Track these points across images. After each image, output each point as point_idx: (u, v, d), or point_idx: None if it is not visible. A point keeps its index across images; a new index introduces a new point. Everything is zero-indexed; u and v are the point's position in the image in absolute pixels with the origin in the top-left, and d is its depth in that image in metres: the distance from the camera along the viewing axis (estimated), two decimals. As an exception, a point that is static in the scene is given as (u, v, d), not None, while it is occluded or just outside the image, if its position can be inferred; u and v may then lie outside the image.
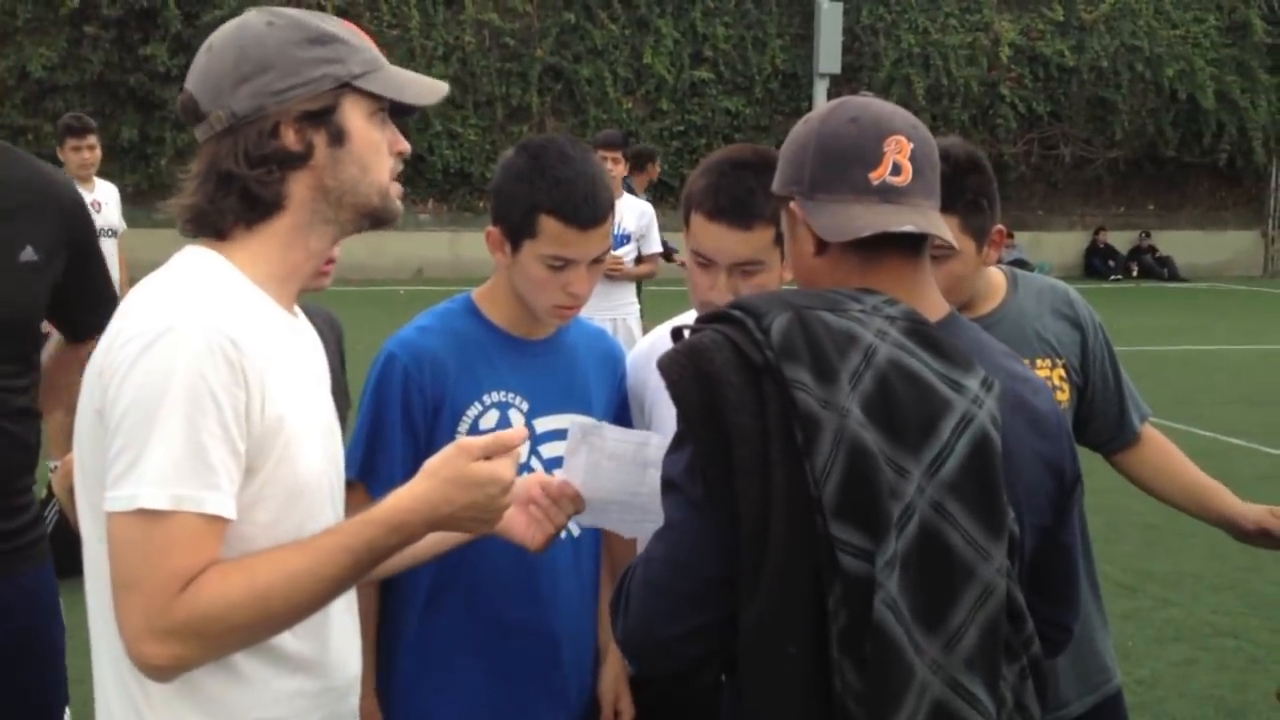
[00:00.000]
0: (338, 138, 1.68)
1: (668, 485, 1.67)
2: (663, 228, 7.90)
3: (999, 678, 1.65)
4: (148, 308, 1.58)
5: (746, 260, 2.21)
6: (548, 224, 2.21)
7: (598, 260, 2.27)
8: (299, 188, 1.68)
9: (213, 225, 1.68)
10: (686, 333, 1.71)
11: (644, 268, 7.53)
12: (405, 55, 20.00)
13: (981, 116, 22.30)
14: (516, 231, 2.24)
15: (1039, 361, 2.51)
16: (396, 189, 1.75)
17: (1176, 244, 23.15)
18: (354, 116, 1.69)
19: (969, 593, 1.61)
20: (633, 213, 7.52)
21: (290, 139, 1.66)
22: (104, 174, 8.31)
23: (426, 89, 1.77)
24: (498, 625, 2.27)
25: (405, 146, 1.77)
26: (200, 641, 1.51)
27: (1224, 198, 24.36)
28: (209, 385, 1.53)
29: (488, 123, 20.55)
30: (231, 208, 1.67)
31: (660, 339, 2.65)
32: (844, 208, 1.74)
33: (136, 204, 20.36)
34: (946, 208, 2.28)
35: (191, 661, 1.53)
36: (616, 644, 1.82)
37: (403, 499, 1.65)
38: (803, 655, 1.57)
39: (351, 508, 2.24)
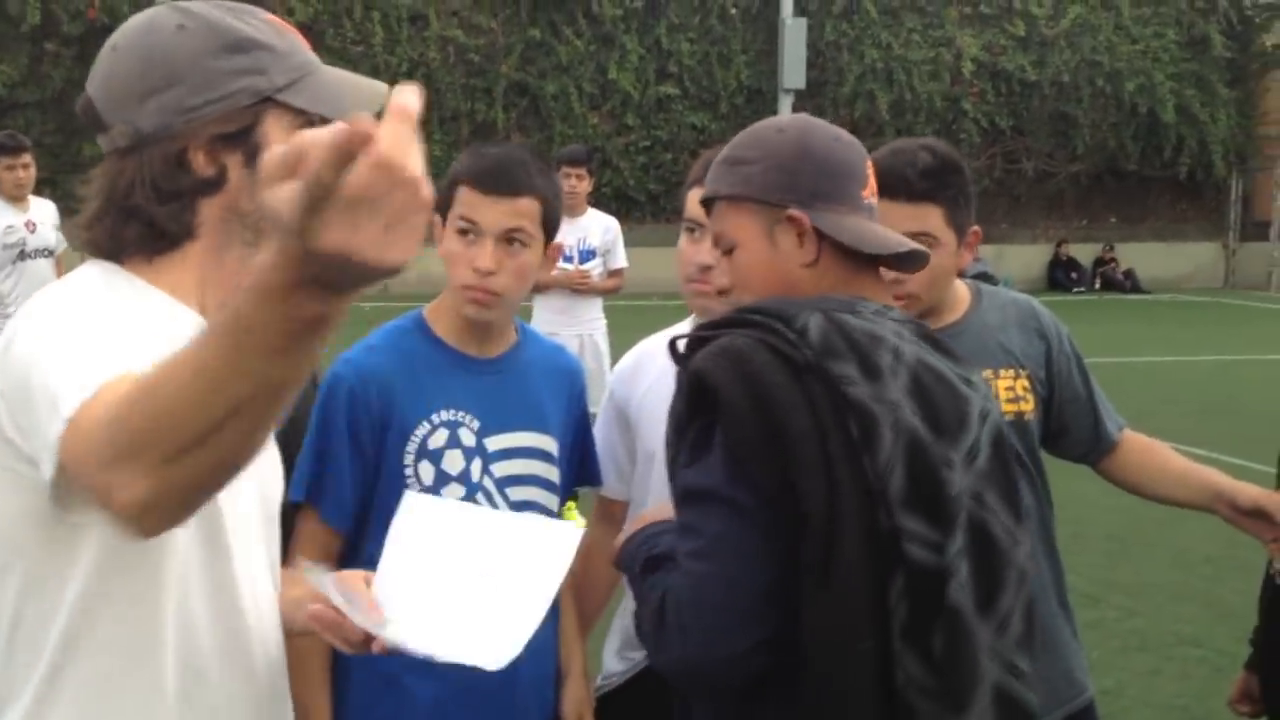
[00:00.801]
0: (256, 158, 1.46)
1: (700, 496, 1.65)
2: (628, 243, 7.90)
3: (1033, 654, 1.75)
4: (33, 314, 1.41)
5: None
6: (461, 192, 2.27)
7: (511, 241, 2.23)
8: (211, 211, 1.50)
9: (113, 256, 1.51)
10: (682, 344, 1.75)
11: (610, 282, 7.53)
12: (369, 71, 19.90)
13: (945, 130, 22.42)
14: (442, 210, 2.29)
15: (1002, 372, 2.51)
16: None
17: (1139, 256, 23.33)
18: (276, 133, 1.48)
19: (1012, 578, 1.70)
20: (598, 227, 7.51)
21: (200, 163, 1.48)
22: (65, 193, 8.25)
23: (364, 97, 1.55)
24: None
25: None
26: (116, 451, 1.19)
27: (1185, 210, 24.57)
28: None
29: (453, 138, 20.52)
30: (133, 239, 1.49)
31: (646, 353, 2.65)
32: (853, 221, 1.82)
33: (99, 222, 20.27)
34: (933, 198, 2.35)
35: (138, 485, 1.17)
36: (664, 670, 1.70)
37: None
38: (867, 650, 1.61)
39: (304, 531, 2.25)
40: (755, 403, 1.61)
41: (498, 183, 2.23)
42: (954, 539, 1.63)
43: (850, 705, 1.60)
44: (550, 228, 2.30)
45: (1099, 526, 6.92)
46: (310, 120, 1.51)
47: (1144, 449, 2.73)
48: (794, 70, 20.61)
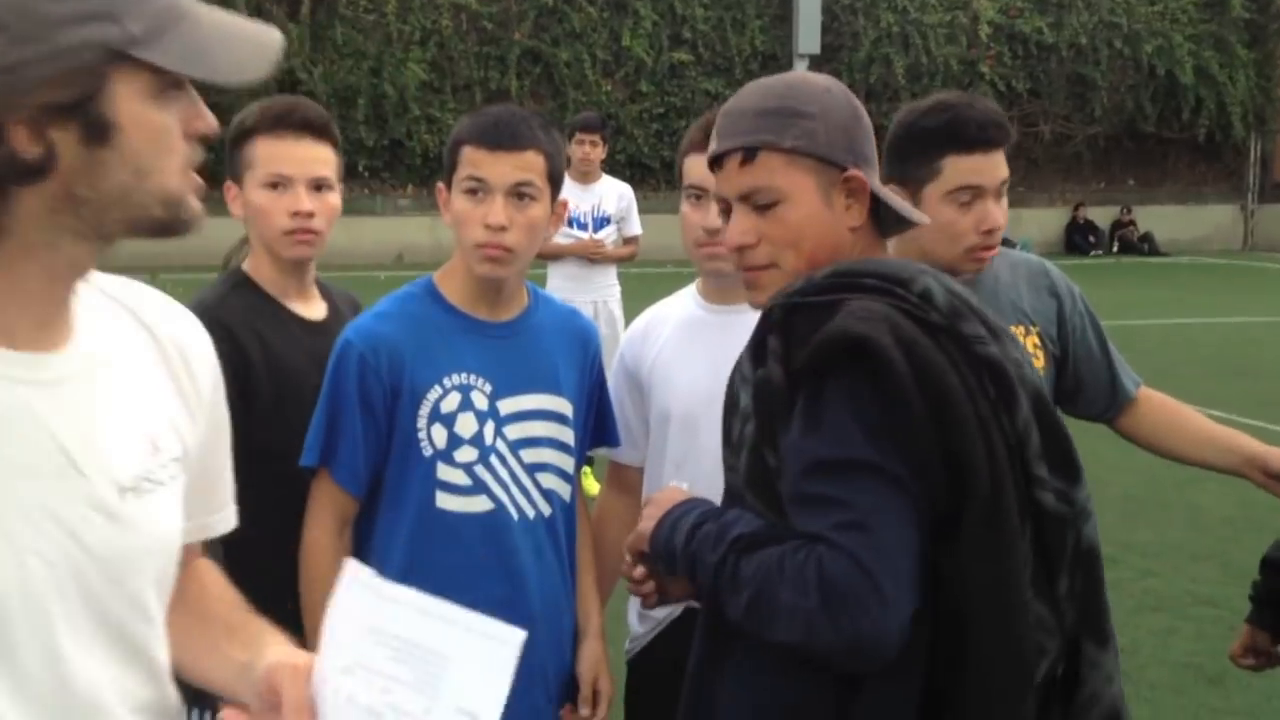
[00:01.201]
0: (98, 134, 1.13)
1: (840, 467, 1.59)
2: (642, 210, 7.89)
3: None
4: None
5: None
6: (465, 152, 2.27)
7: (521, 196, 2.24)
8: (28, 203, 1.13)
9: None
10: (779, 311, 1.71)
11: (625, 250, 7.52)
12: (383, 40, 19.92)
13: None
14: (448, 175, 2.30)
15: (1013, 329, 2.52)
16: (194, 185, 1.21)
17: (1156, 219, 23.22)
18: (127, 100, 1.14)
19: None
20: (612, 194, 7.51)
21: (21, 141, 1.10)
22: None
23: (245, 54, 1.19)
24: (471, 606, 2.25)
25: (209, 124, 1.21)
26: None
27: (1203, 172, 24.43)
28: None
29: (466, 107, 20.46)
30: None
31: (656, 317, 2.65)
32: (891, 191, 1.92)
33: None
34: (1004, 145, 2.45)
35: None
36: (832, 651, 1.59)
37: None
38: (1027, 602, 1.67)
39: (320, 496, 2.28)
40: (914, 367, 1.59)
41: (502, 138, 2.24)
42: (1081, 487, 1.71)
43: (1021, 656, 1.63)
44: (555, 182, 2.31)
45: (1116, 487, 6.92)
46: (176, 82, 1.17)
47: (1165, 407, 2.73)
48: (809, 35, 20.52)
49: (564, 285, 7.10)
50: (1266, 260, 21.67)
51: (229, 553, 1.60)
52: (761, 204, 1.80)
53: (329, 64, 19.85)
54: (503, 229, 2.22)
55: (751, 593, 1.63)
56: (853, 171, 1.79)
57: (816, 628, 1.57)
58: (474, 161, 2.25)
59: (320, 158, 2.48)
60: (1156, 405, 2.73)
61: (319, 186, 2.48)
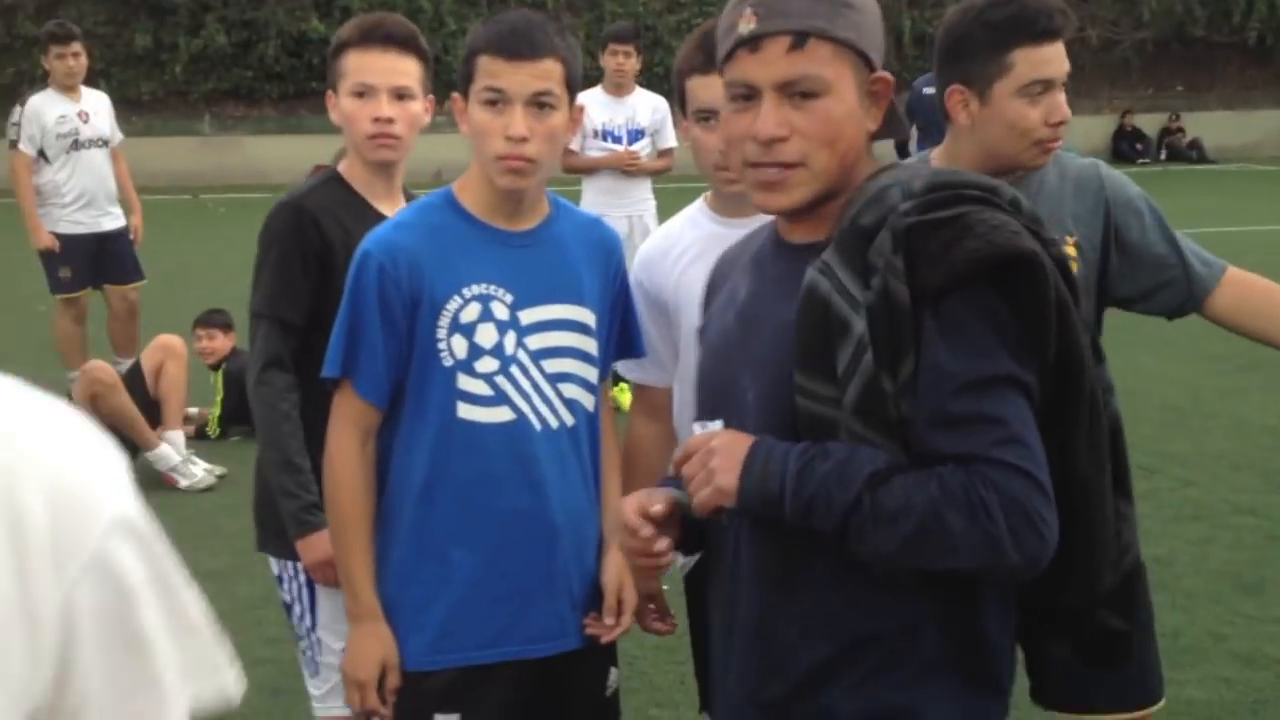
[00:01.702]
0: None
1: (985, 384, 1.59)
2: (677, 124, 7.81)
3: None
4: None
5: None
6: (482, 62, 2.23)
7: (541, 106, 2.22)
8: None
9: None
10: (914, 213, 1.65)
11: (660, 163, 7.46)
12: (417, -46, 19.71)
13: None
14: (464, 86, 2.26)
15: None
16: None
17: (1205, 126, 22.78)
18: None
19: None
20: (646, 107, 7.43)
21: None
22: (120, 83, 8.23)
23: None
24: (494, 515, 2.27)
25: None
26: None
27: (1254, 77, 23.90)
28: None
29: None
30: None
31: (669, 237, 2.63)
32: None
33: (153, 112, 20.36)
34: (1068, 34, 2.46)
35: None
36: (1014, 569, 1.61)
37: None
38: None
39: (342, 407, 2.29)
40: (1051, 273, 1.63)
41: (520, 47, 2.20)
42: (1105, 365, 1.84)
43: (1108, 531, 1.72)
44: (573, 88, 2.28)
45: (1155, 397, 6.86)
46: None
47: (1255, 291, 2.65)
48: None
49: (599, 200, 7.06)
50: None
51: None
52: (804, 93, 1.68)
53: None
54: (524, 140, 2.20)
55: (912, 526, 1.58)
56: (882, 73, 1.75)
57: (1003, 548, 1.56)
58: (492, 71, 2.22)
59: (401, 69, 2.70)
60: (1248, 290, 2.65)
61: (401, 96, 2.70)
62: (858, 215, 1.66)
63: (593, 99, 6.97)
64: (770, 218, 1.86)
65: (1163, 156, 22.43)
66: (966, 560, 1.58)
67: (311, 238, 2.64)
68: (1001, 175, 2.40)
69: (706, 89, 2.35)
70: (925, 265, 1.60)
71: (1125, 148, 22.45)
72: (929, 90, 8.06)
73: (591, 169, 7.17)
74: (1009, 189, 1.73)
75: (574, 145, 6.91)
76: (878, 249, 1.62)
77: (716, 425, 1.75)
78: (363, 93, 2.68)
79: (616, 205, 7.06)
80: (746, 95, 1.71)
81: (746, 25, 1.69)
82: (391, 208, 2.65)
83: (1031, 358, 1.62)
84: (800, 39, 1.67)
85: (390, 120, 2.67)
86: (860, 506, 1.59)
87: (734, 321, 1.83)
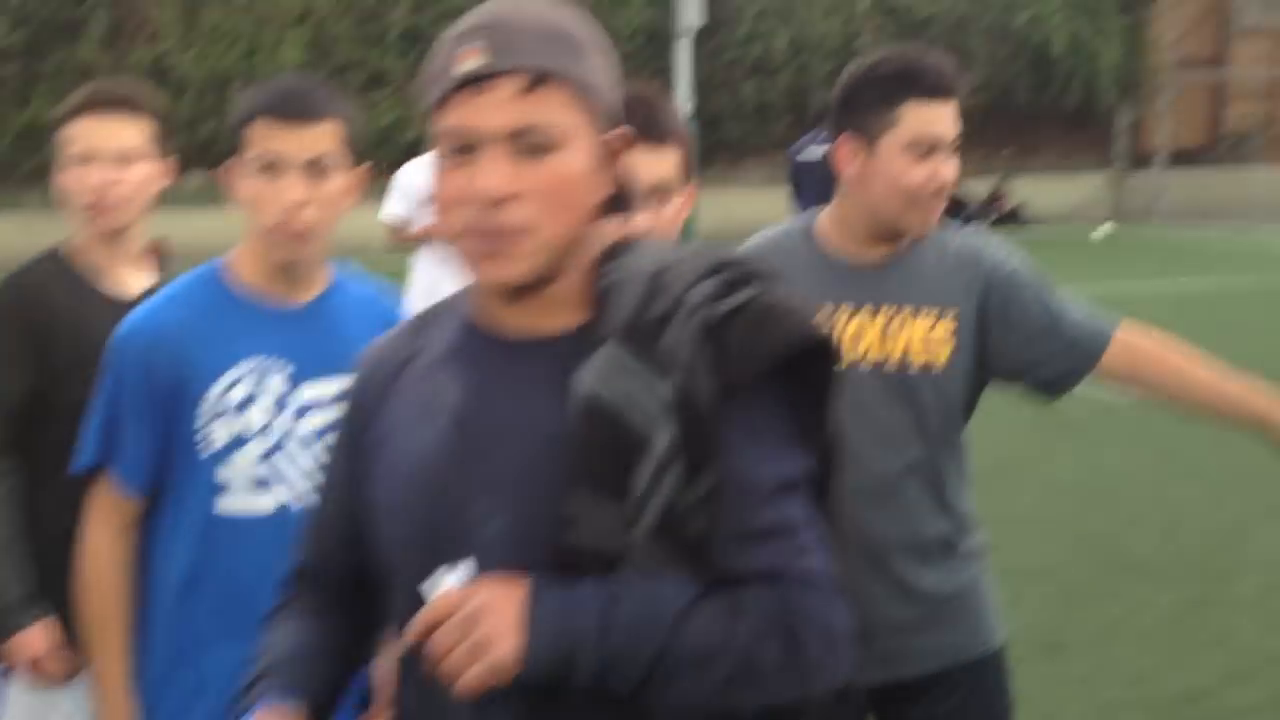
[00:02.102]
0: None
1: (792, 485, 1.44)
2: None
3: None
4: None
5: None
6: (256, 128, 2.16)
7: (318, 170, 2.15)
8: None
9: None
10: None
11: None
12: (255, 22, 19.55)
13: (842, 68, 22.39)
14: (236, 154, 2.19)
15: (926, 313, 2.48)
16: None
17: (1031, 189, 23.60)
18: None
19: None
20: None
21: None
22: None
23: None
24: (258, 613, 2.22)
25: None
26: None
27: (1076, 140, 24.86)
28: None
29: (345, 89, 20.22)
30: None
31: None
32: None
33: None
34: (958, 96, 2.43)
35: None
36: (829, 688, 1.44)
37: None
38: None
39: (99, 501, 2.22)
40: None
41: (296, 111, 2.14)
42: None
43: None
44: (354, 149, 2.22)
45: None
46: None
47: (1149, 356, 2.54)
48: (690, 11, 20.45)
49: (434, 271, 6.68)
50: (1138, 226, 22.16)
51: None
52: (536, 145, 1.41)
53: (201, 47, 19.45)
54: (302, 206, 2.14)
55: (725, 668, 1.37)
56: (623, 129, 1.48)
57: (813, 678, 1.41)
58: (267, 136, 2.14)
59: (122, 134, 2.62)
60: (1138, 356, 2.54)
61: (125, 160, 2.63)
62: (643, 306, 1.41)
63: (423, 166, 6.78)
64: (421, 303, 1.72)
65: (991, 220, 23.11)
66: (781, 695, 1.40)
67: (29, 315, 2.56)
68: (885, 243, 2.45)
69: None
70: (730, 359, 1.39)
71: (945, 216, 22.94)
72: (816, 149, 7.96)
73: (423, 238, 6.76)
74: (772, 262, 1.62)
75: (401, 212, 6.71)
76: (675, 343, 1.39)
77: (460, 573, 1.38)
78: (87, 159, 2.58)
79: (452, 274, 6.84)
80: (465, 148, 1.42)
81: (471, 61, 1.42)
82: (122, 281, 2.60)
83: (815, 438, 1.47)
84: (538, 79, 1.40)
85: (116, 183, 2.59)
86: (667, 653, 1.36)
87: (450, 433, 1.47)
